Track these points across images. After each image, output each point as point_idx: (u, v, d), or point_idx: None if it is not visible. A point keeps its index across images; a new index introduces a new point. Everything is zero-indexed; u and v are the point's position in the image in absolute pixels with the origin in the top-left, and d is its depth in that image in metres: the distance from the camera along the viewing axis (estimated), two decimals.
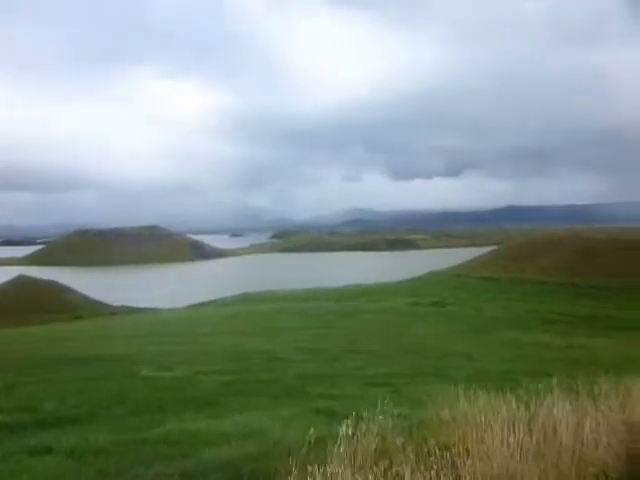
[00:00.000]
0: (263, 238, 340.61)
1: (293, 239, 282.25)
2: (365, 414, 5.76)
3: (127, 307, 76.44)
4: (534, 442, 5.43)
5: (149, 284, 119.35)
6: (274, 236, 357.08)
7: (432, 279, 75.90)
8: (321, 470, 4.43)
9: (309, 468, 4.45)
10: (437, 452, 4.71)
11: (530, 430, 5.74)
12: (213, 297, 74.32)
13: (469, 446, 5.02)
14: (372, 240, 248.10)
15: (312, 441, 5.18)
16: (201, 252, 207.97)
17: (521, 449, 5.08)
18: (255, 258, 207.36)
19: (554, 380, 8.15)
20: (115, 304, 79.78)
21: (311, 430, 5.34)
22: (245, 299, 67.44)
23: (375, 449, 4.91)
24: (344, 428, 5.08)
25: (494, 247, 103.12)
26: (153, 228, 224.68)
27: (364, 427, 5.26)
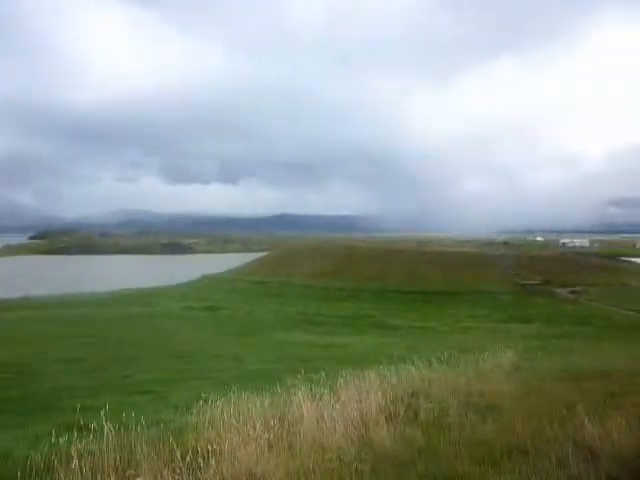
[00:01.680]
0: (21, 238, 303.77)
1: (59, 240, 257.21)
2: (117, 425, 5.59)
3: None
4: (283, 436, 5.84)
5: None
6: (36, 236, 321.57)
7: (206, 283, 76.05)
8: None
9: None
10: (186, 457, 4.77)
11: (281, 425, 6.15)
12: None
13: (221, 447, 5.18)
14: (146, 243, 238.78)
15: (54, 459, 4.87)
16: None
17: (270, 444, 5.42)
18: (10, 260, 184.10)
19: (308, 376, 8.84)
20: None
21: (53, 447, 5.01)
22: None
23: (122, 460, 4.79)
24: (87, 442, 4.87)
25: (267, 253, 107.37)
26: None
27: (111, 439, 5.09)
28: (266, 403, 6.66)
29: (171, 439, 5.10)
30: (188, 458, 4.78)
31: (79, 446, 5.17)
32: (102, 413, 9.17)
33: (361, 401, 7.07)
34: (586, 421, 6.41)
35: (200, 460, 4.85)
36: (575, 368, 13.48)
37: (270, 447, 5.36)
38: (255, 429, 5.57)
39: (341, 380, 8.11)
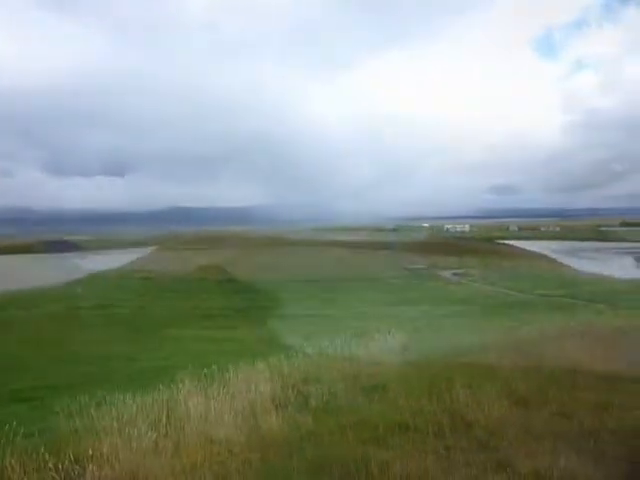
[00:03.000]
0: None
1: None
2: None
3: None
4: (169, 433, 5.74)
5: None
6: None
7: (95, 281, 72.24)
8: None
9: None
10: (60, 466, 4.55)
11: (168, 422, 6.04)
12: None
13: (101, 451, 4.99)
14: (28, 241, 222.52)
15: None
16: None
17: (155, 443, 5.30)
18: None
19: (199, 371, 8.72)
20: None
21: None
22: None
23: None
24: None
25: (158, 247, 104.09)
26: None
27: None
28: (153, 401, 6.50)
29: (42, 449, 4.81)
30: (61, 466, 4.55)
31: None
32: None
33: (251, 392, 7.11)
34: (462, 394, 6.89)
35: (77, 467, 4.64)
36: (457, 345, 14.37)
37: (155, 446, 5.24)
38: (139, 429, 5.42)
39: (232, 373, 8.09)
